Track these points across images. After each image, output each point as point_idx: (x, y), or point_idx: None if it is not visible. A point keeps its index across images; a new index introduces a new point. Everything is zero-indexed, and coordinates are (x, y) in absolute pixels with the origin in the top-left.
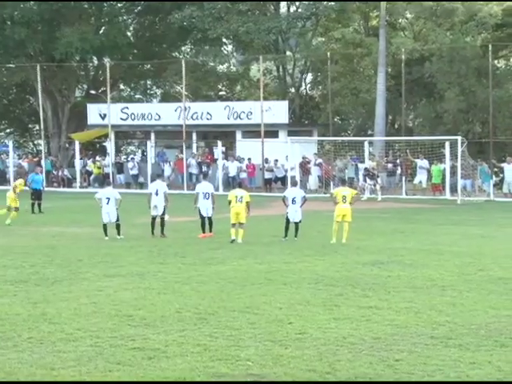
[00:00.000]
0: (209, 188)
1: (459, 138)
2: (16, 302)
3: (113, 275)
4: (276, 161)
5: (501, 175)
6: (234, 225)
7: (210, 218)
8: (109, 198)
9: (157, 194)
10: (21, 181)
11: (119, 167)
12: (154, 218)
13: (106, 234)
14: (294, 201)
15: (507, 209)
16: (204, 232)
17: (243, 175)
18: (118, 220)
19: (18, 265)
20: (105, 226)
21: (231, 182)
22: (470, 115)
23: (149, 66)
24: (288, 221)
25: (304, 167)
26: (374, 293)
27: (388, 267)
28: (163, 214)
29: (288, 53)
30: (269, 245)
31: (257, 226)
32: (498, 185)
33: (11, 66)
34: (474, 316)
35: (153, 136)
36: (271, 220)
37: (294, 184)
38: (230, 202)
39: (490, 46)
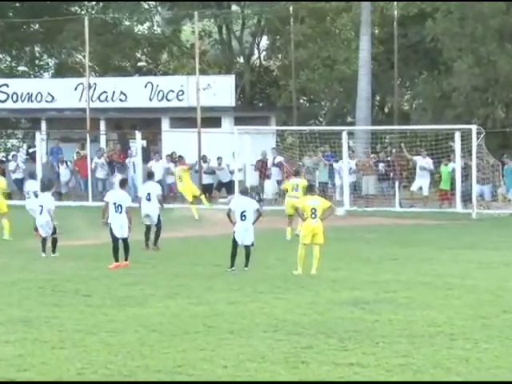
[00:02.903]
0: (123, 198)
1: (474, 127)
2: None
3: None
4: (219, 159)
5: None
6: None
7: (124, 241)
8: (42, 207)
9: (149, 199)
10: None
11: None
12: (148, 228)
13: (44, 250)
14: (243, 216)
15: None
16: (117, 260)
17: (171, 180)
18: (54, 233)
19: None
20: (44, 240)
21: None
22: (490, 95)
23: (37, 26)
24: (236, 244)
25: (262, 169)
26: (355, 344)
27: (375, 308)
28: (158, 223)
29: (234, 7)
30: (209, 278)
31: (191, 251)
32: None
33: None
34: (496, 375)
35: (44, 125)
36: (212, 243)
37: (243, 192)
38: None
39: None
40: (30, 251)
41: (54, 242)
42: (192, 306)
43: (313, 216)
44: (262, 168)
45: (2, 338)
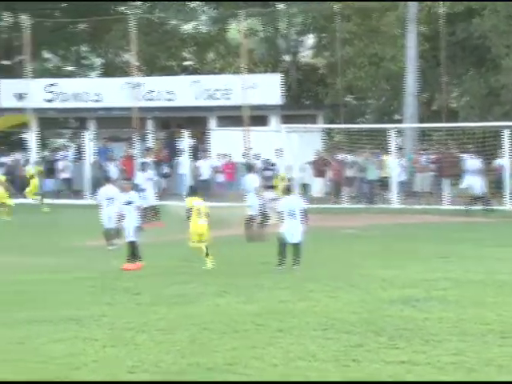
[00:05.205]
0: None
1: None
2: None
3: (40, 320)
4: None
5: None
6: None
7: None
8: (112, 199)
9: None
10: None
11: (49, 167)
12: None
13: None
14: (292, 214)
15: None
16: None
17: (220, 178)
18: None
19: None
20: (107, 231)
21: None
22: None
23: (84, 25)
24: (284, 242)
25: (319, 168)
26: (406, 342)
27: (425, 306)
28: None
29: (280, 5)
30: (257, 276)
31: (240, 249)
32: None
33: None
34: None
35: (92, 124)
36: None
37: (291, 191)
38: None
39: None
40: (80, 250)
41: (117, 233)
42: (241, 305)
43: (199, 216)
44: (320, 166)
45: (54, 337)
